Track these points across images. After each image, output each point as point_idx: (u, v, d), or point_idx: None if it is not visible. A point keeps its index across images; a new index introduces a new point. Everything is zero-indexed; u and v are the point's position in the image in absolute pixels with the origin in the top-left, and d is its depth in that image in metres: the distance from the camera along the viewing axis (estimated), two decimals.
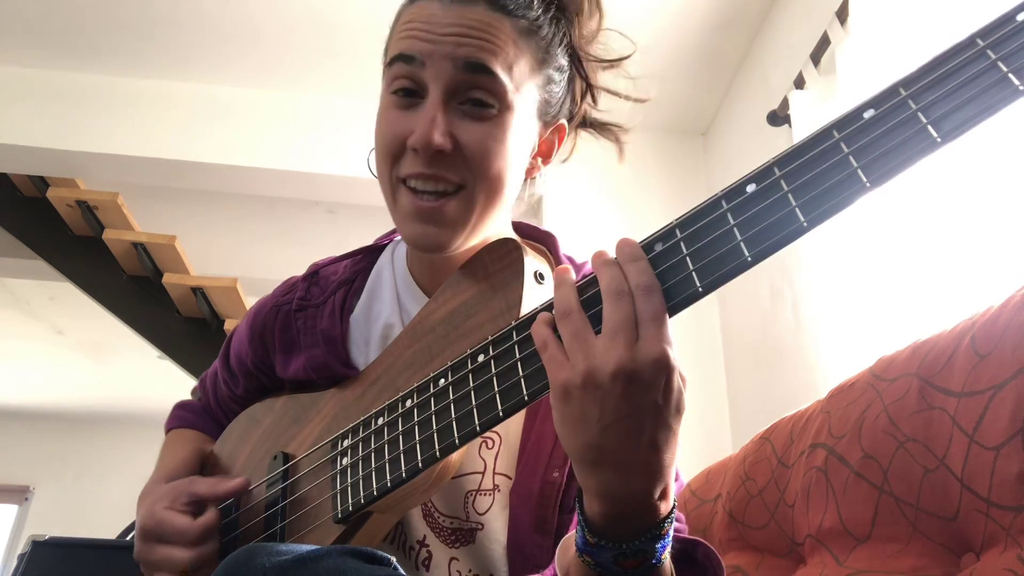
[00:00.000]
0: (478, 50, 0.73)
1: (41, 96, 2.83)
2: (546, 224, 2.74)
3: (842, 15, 1.92)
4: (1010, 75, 0.45)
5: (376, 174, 0.80)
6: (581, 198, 2.84)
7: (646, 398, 0.53)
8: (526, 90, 0.77)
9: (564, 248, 0.88)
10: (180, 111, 2.86)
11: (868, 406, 0.92)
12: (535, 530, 0.77)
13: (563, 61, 0.82)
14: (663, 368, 0.53)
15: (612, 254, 0.58)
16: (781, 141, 2.26)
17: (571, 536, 0.63)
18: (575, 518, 0.61)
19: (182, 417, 1.06)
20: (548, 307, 0.62)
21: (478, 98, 0.73)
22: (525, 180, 0.84)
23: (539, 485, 0.78)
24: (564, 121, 0.85)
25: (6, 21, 2.64)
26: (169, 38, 2.70)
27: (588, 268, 0.84)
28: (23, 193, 3.43)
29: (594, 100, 0.89)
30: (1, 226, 3.45)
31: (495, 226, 0.81)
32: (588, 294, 0.58)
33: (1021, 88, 0.45)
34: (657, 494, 0.56)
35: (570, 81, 0.84)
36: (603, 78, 0.88)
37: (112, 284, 3.48)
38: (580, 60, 0.84)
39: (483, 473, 0.82)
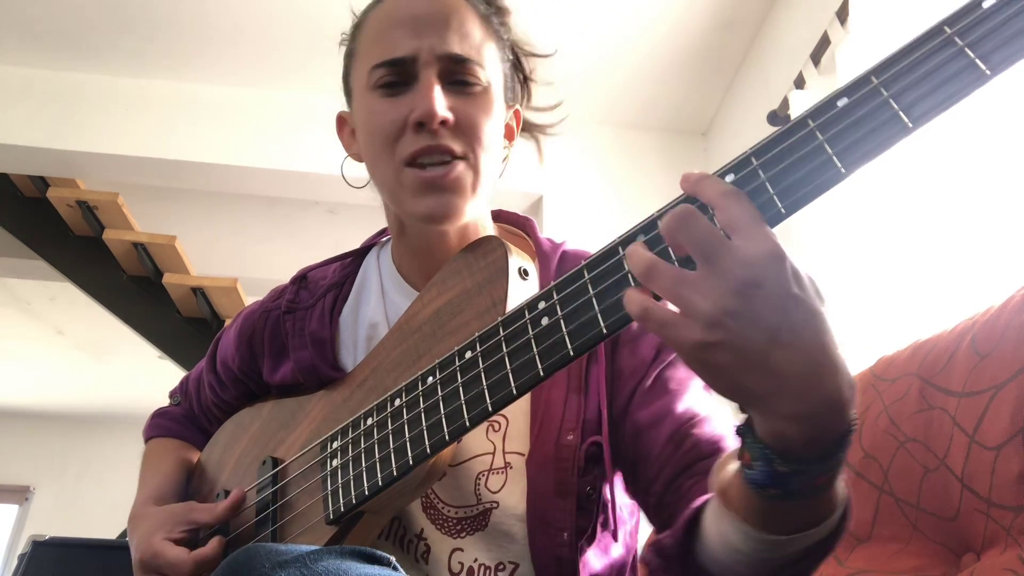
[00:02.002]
0: (459, 41, 0.79)
1: (41, 96, 2.83)
2: (546, 224, 2.77)
3: (842, 15, 1.92)
4: (977, 61, 0.46)
5: (347, 179, 0.87)
6: (581, 198, 2.84)
7: (783, 295, 0.47)
8: (494, 72, 0.83)
9: (544, 234, 0.90)
10: (180, 111, 2.86)
11: (868, 406, 0.92)
12: (556, 494, 0.76)
13: (508, 50, 0.88)
14: (779, 256, 0.47)
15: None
16: None
17: (729, 474, 0.57)
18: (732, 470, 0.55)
19: (162, 426, 1.05)
20: (535, 302, 0.62)
21: (463, 79, 0.80)
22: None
23: (554, 449, 0.77)
24: (518, 106, 0.92)
25: (6, 21, 2.64)
26: (170, 38, 2.70)
27: (566, 247, 0.87)
28: (23, 193, 3.43)
29: (529, 94, 0.94)
30: (1, 226, 3.44)
31: (485, 203, 0.85)
32: (656, 248, 0.53)
33: (988, 73, 0.46)
34: (845, 386, 0.51)
35: (513, 68, 0.90)
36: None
37: (112, 284, 3.47)
38: (516, 52, 0.91)
39: (492, 454, 0.81)
